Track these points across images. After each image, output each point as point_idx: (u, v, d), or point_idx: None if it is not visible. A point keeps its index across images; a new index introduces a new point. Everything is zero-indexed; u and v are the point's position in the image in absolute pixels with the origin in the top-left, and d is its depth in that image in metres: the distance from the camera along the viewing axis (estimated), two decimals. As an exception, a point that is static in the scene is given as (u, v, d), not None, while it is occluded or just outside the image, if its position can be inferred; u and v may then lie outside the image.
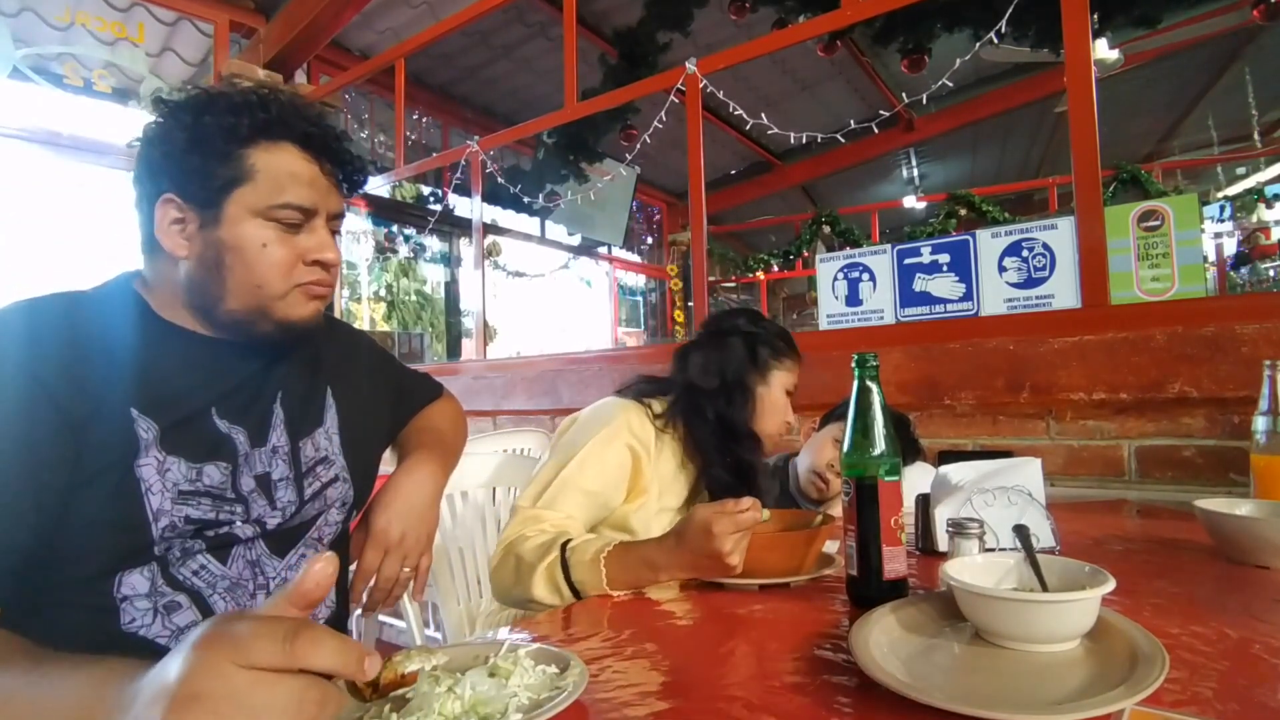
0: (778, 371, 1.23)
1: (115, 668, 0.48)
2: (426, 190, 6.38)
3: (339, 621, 0.93)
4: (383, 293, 6.39)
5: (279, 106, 0.80)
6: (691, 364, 1.23)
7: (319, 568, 0.44)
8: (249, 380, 0.83)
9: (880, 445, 0.75)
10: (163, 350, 0.78)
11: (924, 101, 2.29)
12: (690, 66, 2.42)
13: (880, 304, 1.99)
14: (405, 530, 0.91)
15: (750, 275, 7.40)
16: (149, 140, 0.78)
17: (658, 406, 1.17)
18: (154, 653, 0.69)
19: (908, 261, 1.95)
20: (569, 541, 0.94)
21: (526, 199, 4.43)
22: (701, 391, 1.18)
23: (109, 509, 0.69)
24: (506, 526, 1.04)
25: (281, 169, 0.78)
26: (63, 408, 0.68)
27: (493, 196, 5.34)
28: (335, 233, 0.85)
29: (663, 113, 2.64)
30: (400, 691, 0.50)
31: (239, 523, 0.78)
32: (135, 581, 0.72)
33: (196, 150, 0.76)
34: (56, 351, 0.69)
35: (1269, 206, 6.16)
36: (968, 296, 1.85)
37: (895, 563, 0.73)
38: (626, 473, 1.10)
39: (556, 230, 7.30)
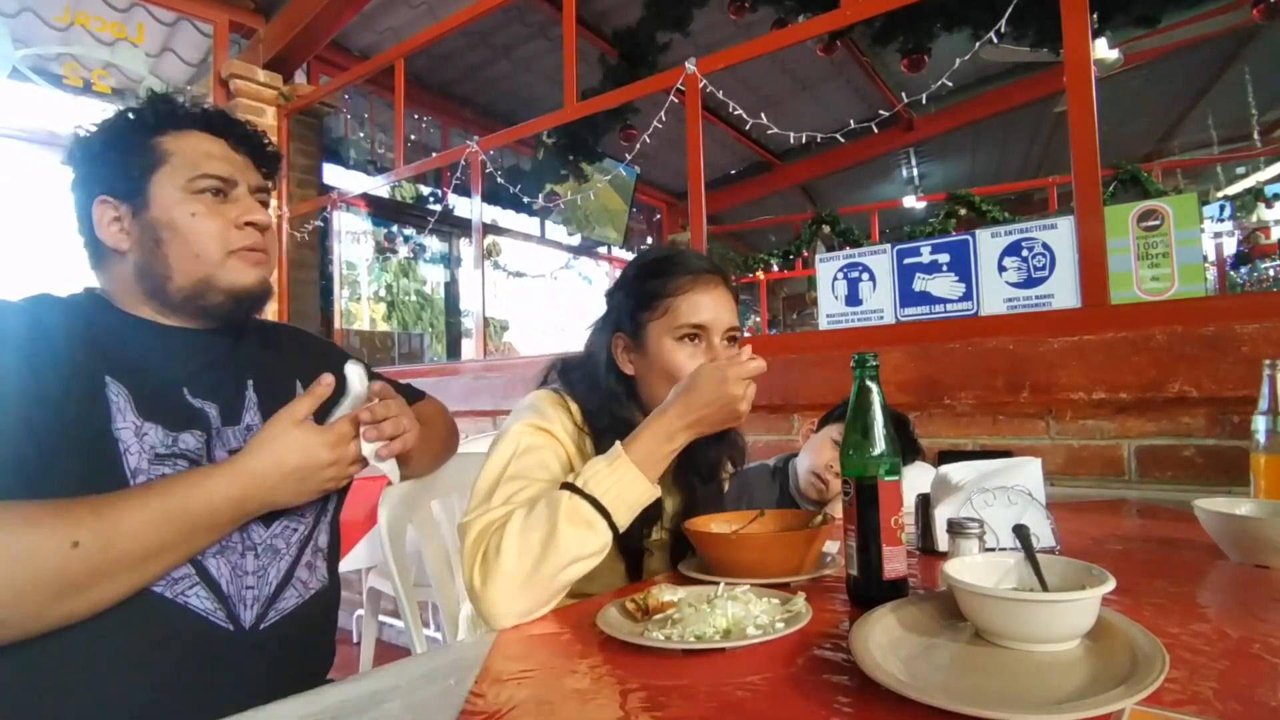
0: (653, 322, 0.99)
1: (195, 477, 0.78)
2: (426, 190, 6.38)
3: (331, 599, 0.96)
4: (382, 293, 6.39)
5: (180, 101, 0.90)
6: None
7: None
8: (216, 361, 0.90)
9: (880, 445, 0.75)
10: (131, 336, 0.85)
11: (924, 101, 2.28)
12: (690, 66, 2.42)
13: (880, 304, 1.99)
14: (392, 406, 0.93)
15: (750, 275, 7.40)
16: (72, 158, 0.87)
17: (575, 405, 1.01)
18: (149, 601, 0.76)
19: (907, 261, 1.95)
20: (565, 484, 0.84)
21: (526, 199, 4.42)
22: (576, 386, 1.04)
23: (89, 467, 0.75)
24: (464, 539, 0.85)
25: (194, 148, 0.87)
26: (43, 378, 0.74)
27: (493, 196, 5.35)
28: (263, 204, 0.93)
29: (662, 113, 2.64)
30: (665, 614, 0.69)
31: None
32: None
33: (113, 147, 0.86)
34: (38, 333, 0.76)
35: (1269, 206, 6.16)
36: (967, 296, 1.85)
37: (895, 562, 0.73)
38: (566, 466, 0.96)
39: (556, 230, 7.30)
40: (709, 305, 0.99)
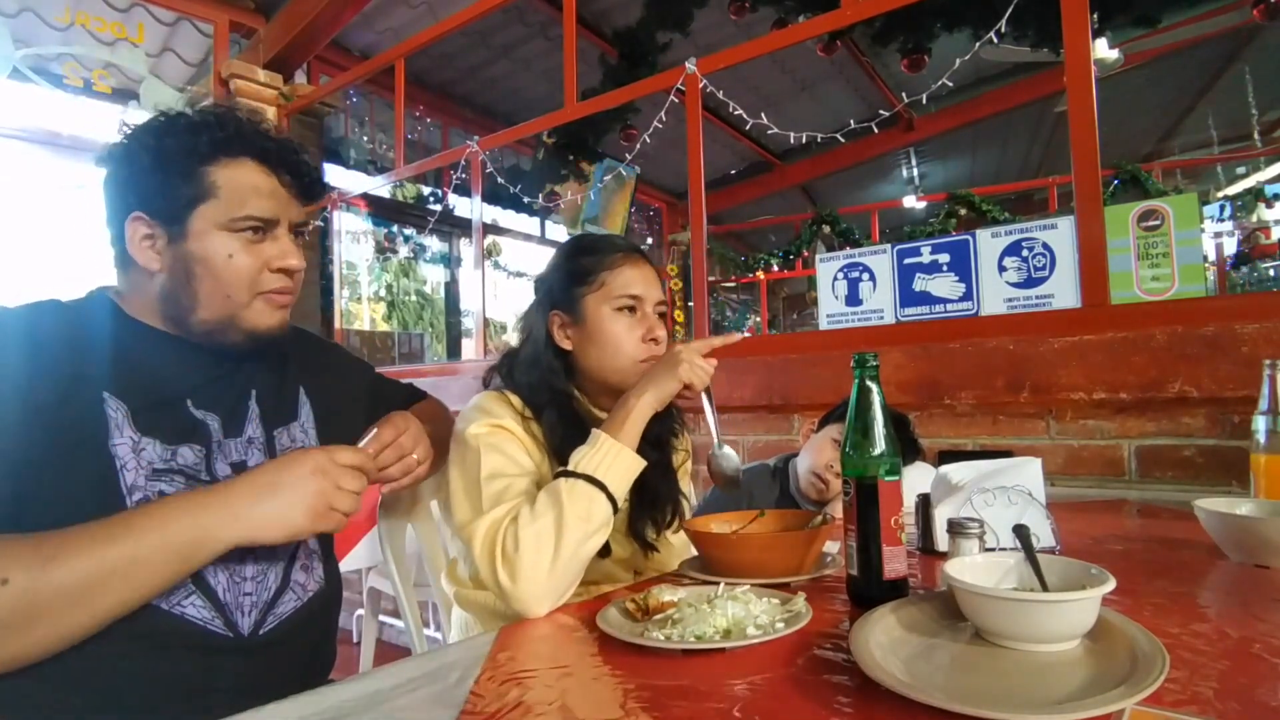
0: (589, 295, 1.05)
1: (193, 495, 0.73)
2: (426, 190, 6.38)
3: (330, 600, 0.96)
4: (383, 293, 6.39)
5: (236, 124, 0.86)
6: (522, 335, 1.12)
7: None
8: (221, 374, 0.89)
9: (880, 445, 0.75)
10: (135, 345, 0.83)
11: (924, 101, 2.28)
12: (690, 66, 2.42)
13: (880, 304, 1.99)
14: (404, 428, 0.94)
15: (750, 275, 7.40)
16: (115, 160, 0.84)
17: (515, 399, 1.04)
18: (143, 611, 0.75)
19: (908, 261, 1.95)
20: (559, 474, 0.88)
21: (526, 199, 4.43)
22: (517, 370, 1.08)
23: (85, 483, 0.74)
24: (473, 545, 0.87)
25: (243, 183, 0.84)
26: (39, 394, 0.73)
27: (493, 196, 5.35)
28: (299, 236, 0.91)
29: (663, 113, 2.64)
30: (665, 614, 0.69)
31: None
32: None
33: (160, 170, 0.82)
34: (37, 348, 0.76)
35: (1269, 206, 6.15)
36: (968, 296, 1.85)
37: (895, 562, 0.73)
38: (529, 459, 0.99)
39: (556, 230, 7.30)
40: (641, 280, 1.06)
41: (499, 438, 0.97)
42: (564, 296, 1.06)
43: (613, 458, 0.89)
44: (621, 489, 0.89)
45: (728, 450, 1.05)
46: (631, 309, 1.05)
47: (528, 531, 0.83)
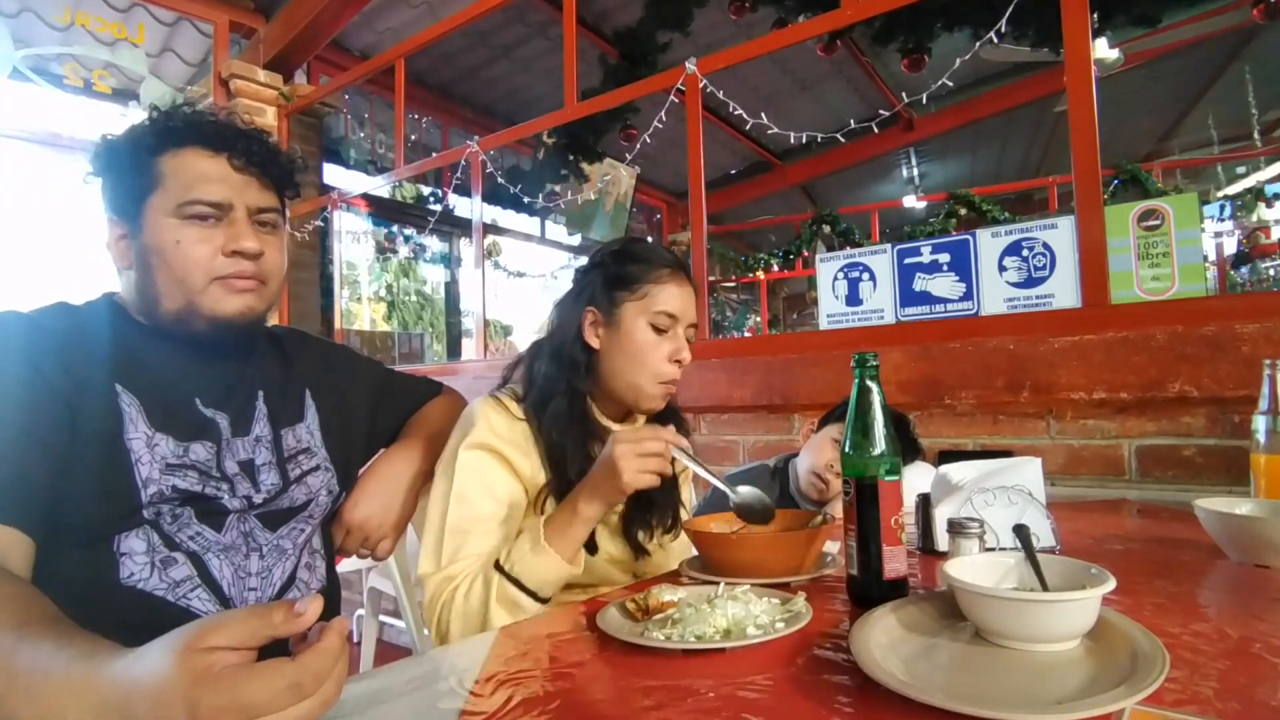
0: (629, 302, 1.04)
1: (100, 658, 0.53)
2: (426, 190, 6.38)
3: (330, 600, 0.97)
4: (383, 293, 6.39)
5: (183, 115, 0.86)
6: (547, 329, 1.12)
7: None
8: (227, 374, 0.91)
9: (880, 445, 0.75)
10: (144, 346, 0.85)
11: (924, 101, 2.28)
12: (690, 66, 2.42)
13: (880, 304, 1.99)
14: (369, 514, 1.00)
15: (750, 275, 7.40)
16: (92, 169, 0.87)
17: (512, 402, 1.05)
18: (150, 604, 0.77)
19: (908, 261, 1.95)
20: (497, 561, 0.91)
21: (526, 199, 4.42)
22: (539, 360, 1.07)
23: (101, 474, 0.76)
24: (425, 597, 0.95)
25: (188, 170, 0.84)
26: (54, 385, 0.75)
27: (493, 196, 5.34)
28: (268, 225, 0.90)
29: (663, 113, 2.64)
30: (665, 614, 0.69)
31: (227, 497, 0.84)
32: (133, 544, 0.78)
33: (114, 166, 0.85)
34: (48, 342, 0.77)
35: (1269, 206, 6.15)
36: (968, 296, 1.85)
37: (895, 562, 0.73)
38: (513, 481, 1.00)
39: (556, 230, 7.30)
40: (681, 299, 1.06)
41: (482, 466, 0.98)
42: (603, 297, 1.06)
43: (547, 568, 0.88)
44: (552, 591, 0.91)
45: (743, 490, 0.98)
46: (665, 330, 1.05)
47: (458, 625, 0.89)
